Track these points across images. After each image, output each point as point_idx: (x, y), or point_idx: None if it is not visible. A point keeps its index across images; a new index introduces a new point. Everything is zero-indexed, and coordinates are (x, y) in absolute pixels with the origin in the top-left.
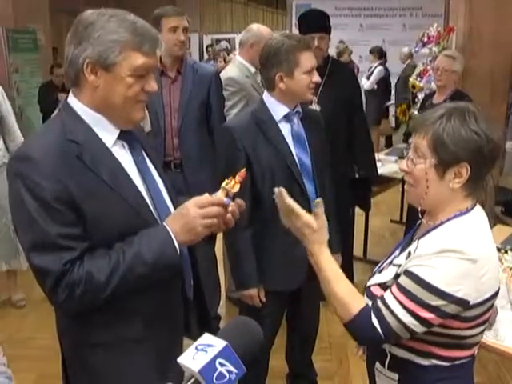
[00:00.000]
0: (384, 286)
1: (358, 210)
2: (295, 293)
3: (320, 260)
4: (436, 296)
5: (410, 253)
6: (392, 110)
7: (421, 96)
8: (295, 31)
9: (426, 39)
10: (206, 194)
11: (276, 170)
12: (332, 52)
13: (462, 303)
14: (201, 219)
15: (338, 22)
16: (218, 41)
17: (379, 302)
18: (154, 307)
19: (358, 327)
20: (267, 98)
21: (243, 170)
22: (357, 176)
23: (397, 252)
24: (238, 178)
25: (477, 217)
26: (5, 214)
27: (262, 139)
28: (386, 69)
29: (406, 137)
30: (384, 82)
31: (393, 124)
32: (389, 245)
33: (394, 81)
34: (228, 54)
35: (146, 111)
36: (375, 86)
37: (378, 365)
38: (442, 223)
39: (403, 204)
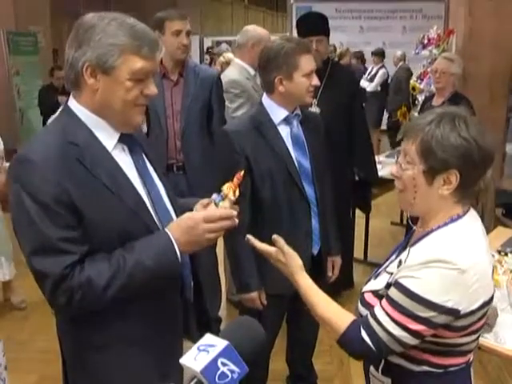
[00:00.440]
0: (376, 294)
1: (358, 212)
2: (295, 296)
3: (299, 288)
4: (425, 307)
5: (401, 261)
6: (385, 113)
7: (421, 98)
8: (295, 34)
9: (426, 41)
10: (213, 205)
11: (275, 173)
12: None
13: (452, 313)
14: (208, 234)
15: (338, 24)
16: (219, 43)
17: (369, 316)
18: (154, 309)
19: (347, 342)
20: (266, 100)
21: (241, 172)
22: (357, 178)
23: (393, 257)
24: (235, 180)
25: (468, 224)
26: None
27: (262, 142)
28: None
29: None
30: (385, 84)
31: (384, 126)
32: (389, 247)
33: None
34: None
35: None
36: (378, 88)
37: (371, 369)
38: (433, 231)
39: None
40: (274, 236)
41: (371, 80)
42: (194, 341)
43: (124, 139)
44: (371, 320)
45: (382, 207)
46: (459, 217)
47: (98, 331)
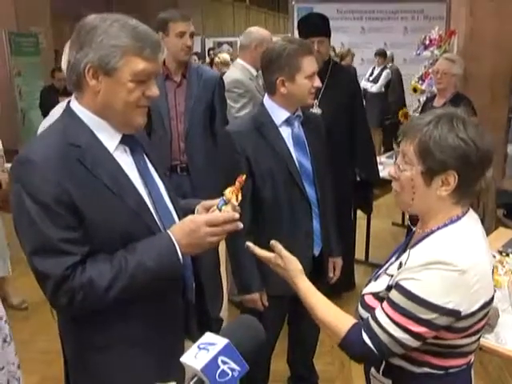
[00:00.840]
0: (377, 296)
1: (359, 212)
2: (296, 297)
3: (299, 291)
4: (427, 309)
5: (401, 263)
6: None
7: (422, 99)
8: (297, 34)
9: (427, 42)
10: (216, 210)
11: (276, 174)
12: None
13: (454, 314)
14: (210, 237)
15: (339, 25)
16: (220, 44)
17: (370, 319)
18: (156, 310)
19: (349, 345)
20: (268, 101)
21: (243, 176)
22: (358, 179)
23: (393, 259)
24: (237, 184)
25: (468, 225)
26: None
27: (263, 143)
28: None
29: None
30: (387, 84)
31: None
32: (390, 248)
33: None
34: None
35: None
36: (383, 89)
37: (372, 370)
38: (433, 232)
39: None
40: (272, 242)
41: (374, 81)
42: (195, 341)
43: (126, 140)
44: (372, 322)
45: (384, 208)
46: (458, 218)
47: (100, 332)
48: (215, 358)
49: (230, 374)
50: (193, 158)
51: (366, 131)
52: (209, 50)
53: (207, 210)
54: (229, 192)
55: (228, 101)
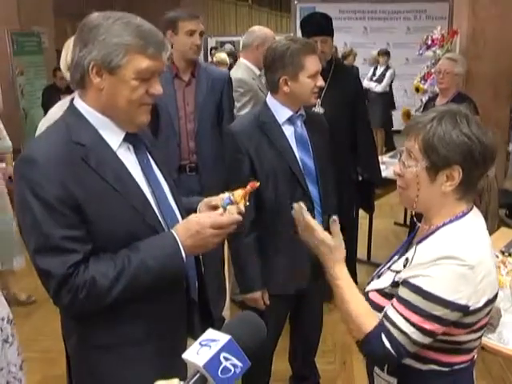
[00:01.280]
0: (382, 293)
1: (361, 212)
2: (298, 295)
3: (335, 277)
4: (438, 305)
5: (407, 259)
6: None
7: (424, 99)
8: (299, 34)
9: (429, 42)
10: (220, 209)
11: (279, 173)
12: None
13: (463, 309)
14: (215, 238)
15: (342, 25)
16: (223, 43)
17: (386, 322)
18: (158, 309)
19: (368, 344)
20: (271, 100)
21: (256, 183)
22: (360, 178)
23: (396, 257)
24: (248, 187)
25: (473, 221)
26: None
27: (266, 142)
28: None
29: None
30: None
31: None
32: (392, 247)
33: (396, 83)
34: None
35: None
36: (387, 89)
37: (376, 369)
38: (438, 228)
39: None
40: (334, 217)
41: (378, 80)
42: None
43: (129, 138)
44: (389, 326)
45: (386, 207)
46: (464, 214)
47: (103, 330)
48: (217, 355)
49: (233, 370)
50: (202, 157)
51: (368, 131)
52: (211, 50)
53: (210, 208)
54: (238, 195)
55: None
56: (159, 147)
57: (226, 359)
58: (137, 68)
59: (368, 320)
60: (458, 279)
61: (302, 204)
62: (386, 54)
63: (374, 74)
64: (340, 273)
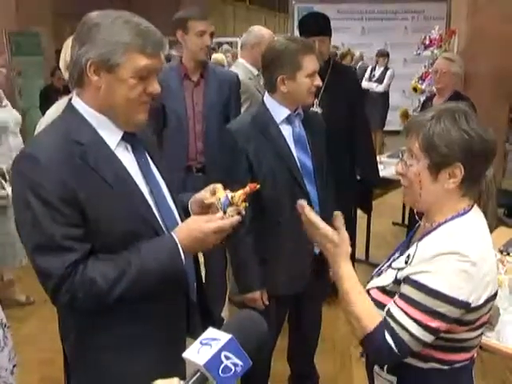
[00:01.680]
0: (383, 290)
1: (359, 212)
2: (297, 295)
3: (340, 273)
4: (442, 302)
5: (409, 256)
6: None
7: (422, 99)
8: (297, 34)
9: (427, 42)
10: (220, 213)
11: (277, 173)
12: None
13: (465, 306)
14: (215, 240)
15: (340, 25)
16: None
17: (389, 320)
18: (157, 309)
19: (371, 342)
20: (268, 100)
21: (257, 185)
22: (358, 178)
23: (396, 255)
24: (247, 188)
25: (474, 218)
26: None
27: (263, 141)
28: None
29: None
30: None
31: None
32: (391, 247)
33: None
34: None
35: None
36: (388, 89)
37: (376, 368)
38: (440, 225)
39: (405, 206)
40: (337, 212)
41: (378, 81)
42: None
43: (127, 137)
44: (392, 323)
45: (384, 207)
46: (465, 212)
47: (101, 331)
48: (218, 353)
49: (233, 370)
50: (211, 158)
51: (367, 131)
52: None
53: (203, 207)
54: (237, 196)
55: None
56: (166, 147)
57: (227, 358)
58: (135, 66)
59: (372, 320)
60: (461, 275)
61: (303, 202)
62: (384, 54)
63: (372, 74)
64: (345, 268)
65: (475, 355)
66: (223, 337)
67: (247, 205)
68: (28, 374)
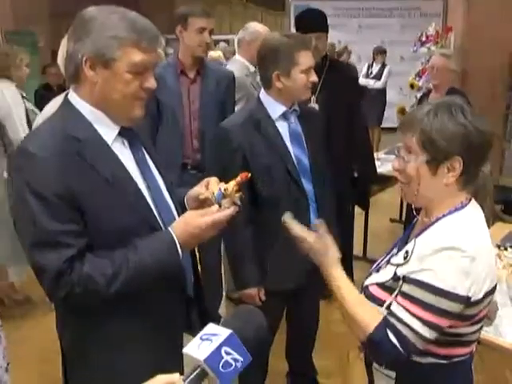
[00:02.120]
0: (383, 286)
1: (357, 209)
2: (295, 291)
3: (333, 280)
4: (444, 298)
5: (407, 252)
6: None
7: (419, 95)
8: (294, 31)
9: (424, 39)
10: (216, 206)
11: (273, 169)
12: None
13: (465, 301)
14: (213, 234)
15: (336, 22)
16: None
17: (392, 319)
18: (155, 304)
19: (374, 343)
20: (264, 96)
21: (248, 174)
22: (355, 175)
23: (394, 251)
24: (239, 179)
25: (472, 212)
26: None
27: (259, 138)
28: None
29: None
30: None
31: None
32: (388, 244)
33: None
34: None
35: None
36: (386, 85)
37: (375, 363)
38: (438, 220)
39: (402, 203)
40: (317, 222)
41: (376, 77)
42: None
43: (124, 133)
44: (395, 322)
45: (381, 204)
46: (463, 206)
47: (99, 326)
48: (219, 349)
49: (234, 365)
50: (207, 155)
51: (364, 127)
52: None
53: (199, 202)
54: (230, 187)
55: None
56: (161, 144)
57: (228, 353)
58: (130, 61)
59: (369, 317)
60: (461, 270)
61: (288, 218)
62: (382, 51)
63: (369, 71)
64: (336, 274)
65: (474, 349)
66: (223, 332)
67: (242, 195)
68: (26, 372)
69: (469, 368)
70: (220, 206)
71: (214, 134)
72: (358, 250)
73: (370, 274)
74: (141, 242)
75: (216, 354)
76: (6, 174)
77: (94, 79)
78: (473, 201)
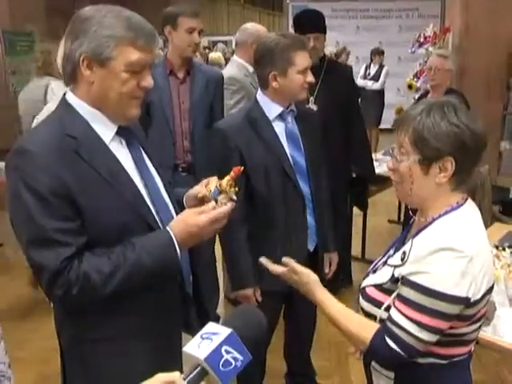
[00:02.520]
0: (380, 288)
1: (355, 209)
2: (292, 291)
3: (319, 303)
4: (442, 301)
5: (404, 253)
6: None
7: (417, 96)
8: (292, 32)
9: (422, 39)
10: (212, 202)
11: (269, 169)
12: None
13: (464, 302)
14: (211, 232)
15: (334, 23)
16: (215, 43)
17: (389, 323)
18: (153, 302)
19: (375, 352)
20: (261, 96)
21: (241, 168)
22: (354, 175)
23: (391, 252)
24: (232, 173)
25: (468, 212)
26: None
27: (256, 138)
28: None
29: None
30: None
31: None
32: (386, 244)
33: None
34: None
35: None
36: (384, 86)
37: (373, 363)
38: (434, 220)
39: (401, 204)
40: (284, 259)
41: (374, 78)
42: (194, 335)
43: (121, 132)
44: (392, 327)
45: (380, 205)
46: (459, 205)
47: (96, 324)
48: (219, 348)
49: (234, 364)
50: (198, 156)
51: (362, 128)
52: (204, 49)
53: (198, 200)
54: (225, 183)
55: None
56: (152, 145)
57: (228, 352)
58: (127, 60)
59: (364, 330)
60: (459, 271)
61: (261, 259)
62: (380, 52)
63: (367, 72)
64: (320, 296)
65: (472, 349)
66: (223, 331)
67: (237, 190)
68: (24, 372)
69: (467, 368)
70: (216, 202)
71: (210, 135)
72: (356, 251)
73: (367, 275)
74: (138, 241)
75: (216, 352)
76: None
77: (91, 78)
78: (469, 200)
